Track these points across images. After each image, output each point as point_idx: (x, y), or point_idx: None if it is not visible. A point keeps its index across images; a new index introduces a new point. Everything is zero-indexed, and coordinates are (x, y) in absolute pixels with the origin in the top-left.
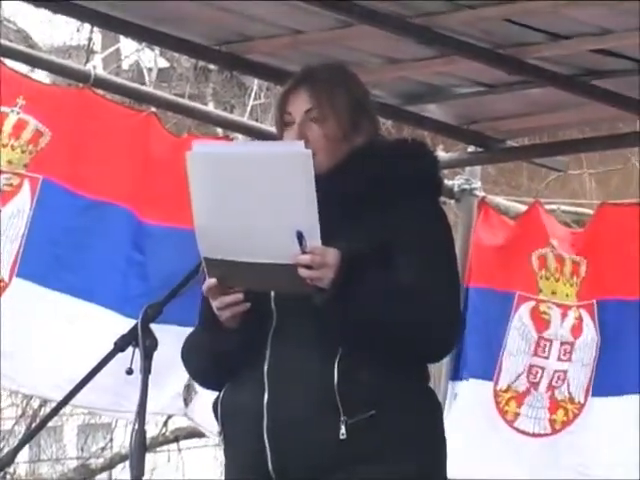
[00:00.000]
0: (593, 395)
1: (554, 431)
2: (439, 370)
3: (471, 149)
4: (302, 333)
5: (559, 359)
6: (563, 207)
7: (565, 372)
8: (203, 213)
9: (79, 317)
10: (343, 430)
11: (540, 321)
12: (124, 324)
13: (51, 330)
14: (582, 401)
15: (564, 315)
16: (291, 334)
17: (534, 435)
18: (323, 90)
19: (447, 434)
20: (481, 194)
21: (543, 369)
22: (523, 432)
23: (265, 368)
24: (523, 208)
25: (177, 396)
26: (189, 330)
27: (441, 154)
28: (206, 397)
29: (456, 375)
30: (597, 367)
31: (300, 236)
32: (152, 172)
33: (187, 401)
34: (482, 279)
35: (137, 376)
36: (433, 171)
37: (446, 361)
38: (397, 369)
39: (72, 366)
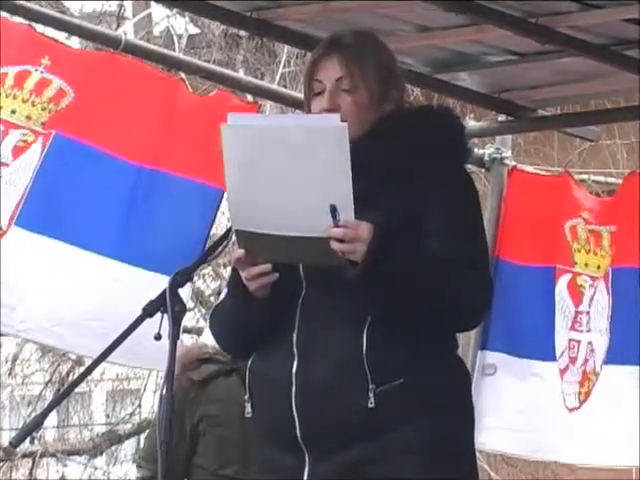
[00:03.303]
0: (606, 363)
1: (580, 403)
2: (467, 339)
3: (502, 118)
4: (331, 302)
5: (589, 331)
6: (594, 177)
7: (591, 343)
8: (236, 184)
9: (73, 264)
10: (372, 399)
11: (577, 294)
12: (120, 269)
13: (45, 277)
14: (599, 371)
15: (592, 287)
16: (320, 303)
17: (570, 410)
18: (354, 59)
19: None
20: (512, 163)
21: (579, 342)
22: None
23: (294, 337)
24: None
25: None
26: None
27: (471, 123)
28: None
29: (485, 345)
30: (610, 335)
31: (334, 210)
32: (174, 126)
33: None
34: (515, 254)
35: None
36: (459, 136)
37: (475, 330)
38: (426, 337)
39: (64, 311)
